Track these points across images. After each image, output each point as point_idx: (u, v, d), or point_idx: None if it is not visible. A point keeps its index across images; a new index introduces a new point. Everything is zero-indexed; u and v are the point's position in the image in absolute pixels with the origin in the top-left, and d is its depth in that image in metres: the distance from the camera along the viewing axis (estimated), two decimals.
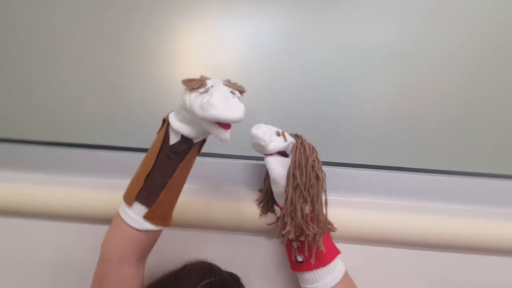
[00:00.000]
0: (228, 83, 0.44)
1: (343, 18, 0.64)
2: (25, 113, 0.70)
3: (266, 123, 0.53)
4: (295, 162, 0.49)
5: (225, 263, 0.59)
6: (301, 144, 0.50)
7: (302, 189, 0.48)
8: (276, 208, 0.56)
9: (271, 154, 0.52)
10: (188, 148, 0.45)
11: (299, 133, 0.53)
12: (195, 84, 0.42)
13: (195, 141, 0.45)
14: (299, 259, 0.51)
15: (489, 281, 0.61)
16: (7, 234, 0.66)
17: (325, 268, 0.51)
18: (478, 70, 0.63)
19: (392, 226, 0.59)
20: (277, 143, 0.50)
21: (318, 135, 0.65)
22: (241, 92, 0.44)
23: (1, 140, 0.69)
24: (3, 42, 0.69)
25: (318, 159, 0.50)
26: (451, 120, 0.63)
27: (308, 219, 0.49)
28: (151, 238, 0.47)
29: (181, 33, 0.67)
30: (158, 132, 0.47)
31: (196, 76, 0.45)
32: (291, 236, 0.49)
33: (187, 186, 0.56)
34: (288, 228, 0.49)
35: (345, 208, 0.61)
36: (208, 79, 0.44)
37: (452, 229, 0.59)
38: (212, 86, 0.42)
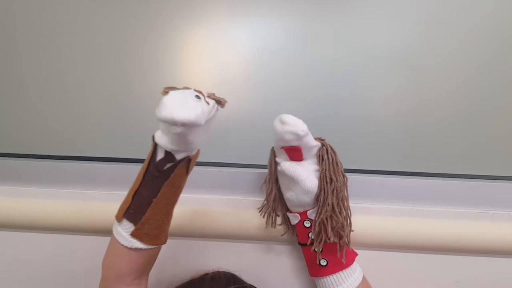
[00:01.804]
0: (210, 93, 0.44)
1: (349, 20, 0.65)
2: (23, 127, 0.68)
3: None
4: (331, 165, 0.49)
5: (239, 272, 0.58)
6: (331, 148, 0.51)
7: (339, 191, 0.49)
8: (292, 215, 0.55)
9: (297, 158, 0.50)
10: (173, 166, 0.44)
11: (320, 137, 0.54)
12: (170, 89, 0.41)
13: (177, 156, 0.44)
14: (323, 263, 0.51)
15: (508, 283, 0.62)
16: (6, 247, 0.65)
17: (347, 270, 0.52)
18: (484, 71, 0.64)
19: (404, 231, 0.60)
20: (311, 138, 0.49)
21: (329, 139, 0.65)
22: (219, 102, 0.44)
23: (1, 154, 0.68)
24: (3, 53, 0.67)
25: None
26: (461, 123, 0.64)
27: (346, 220, 0.50)
28: (146, 257, 0.46)
29: (186, 39, 0.66)
30: None
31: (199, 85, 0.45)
32: (332, 239, 0.49)
33: (192, 197, 0.54)
34: (329, 232, 0.49)
35: (356, 214, 0.60)
36: (191, 88, 0.43)
37: (466, 232, 0.59)
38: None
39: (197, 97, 0.40)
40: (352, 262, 0.52)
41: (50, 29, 0.67)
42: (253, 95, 0.67)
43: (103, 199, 0.64)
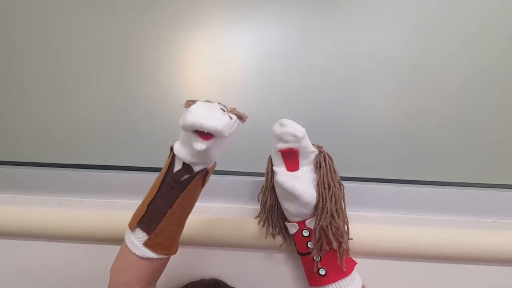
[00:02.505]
0: (231, 109, 0.44)
1: (347, 25, 0.65)
2: (21, 135, 0.69)
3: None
4: (328, 172, 0.50)
5: (234, 280, 0.58)
6: (328, 155, 0.52)
7: (337, 197, 0.49)
8: (290, 225, 0.55)
9: (293, 165, 0.51)
10: (190, 178, 0.44)
11: (318, 144, 0.54)
12: (192, 102, 0.41)
13: (195, 168, 0.44)
14: (322, 272, 0.51)
15: None
16: (6, 256, 0.65)
17: (346, 279, 0.51)
18: (482, 76, 0.64)
19: (400, 239, 0.60)
20: (309, 143, 0.50)
21: (324, 144, 0.66)
22: (241, 118, 0.44)
23: (5, 163, 0.69)
24: (2, 59, 0.67)
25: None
26: (460, 130, 0.64)
27: (344, 227, 0.51)
28: (156, 266, 0.46)
29: (187, 43, 0.67)
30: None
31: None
32: (334, 245, 0.49)
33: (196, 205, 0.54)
34: (331, 238, 0.49)
35: (352, 222, 0.59)
36: (211, 102, 0.44)
37: (464, 241, 0.59)
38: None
39: (222, 110, 0.41)
40: (352, 271, 0.52)
41: (49, 36, 0.67)
42: (252, 99, 0.67)
43: (103, 208, 0.64)
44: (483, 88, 0.65)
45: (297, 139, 0.49)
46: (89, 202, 0.65)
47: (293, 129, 0.48)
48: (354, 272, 0.53)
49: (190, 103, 0.41)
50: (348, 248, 0.52)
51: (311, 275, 0.53)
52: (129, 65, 0.67)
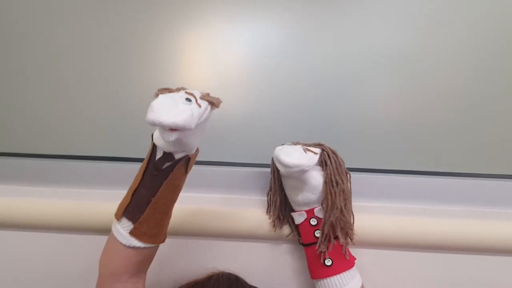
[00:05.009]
0: (204, 94, 0.43)
1: (347, 23, 0.65)
2: (20, 126, 0.68)
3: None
4: (335, 168, 0.51)
5: (239, 271, 0.58)
6: (332, 152, 0.52)
7: (346, 192, 0.50)
8: (297, 214, 0.55)
9: None
10: (172, 165, 0.43)
11: (319, 142, 0.55)
12: (162, 91, 0.41)
13: (176, 156, 0.43)
14: (328, 263, 0.50)
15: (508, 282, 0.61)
16: (4, 247, 0.65)
17: (351, 270, 0.51)
18: (482, 70, 0.64)
19: (406, 230, 0.60)
20: (313, 160, 0.50)
21: (325, 140, 0.65)
22: (212, 104, 0.43)
23: (0, 154, 0.68)
24: (2, 53, 0.67)
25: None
26: (465, 122, 0.64)
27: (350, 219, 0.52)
28: (143, 255, 0.45)
29: (186, 40, 0.66)
30: None
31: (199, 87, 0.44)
32: (342, 241, 0.50)
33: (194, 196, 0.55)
34: (339, 233, 0.50)
35: (358, 213, 0.59)
36: (184, 89, 0.43)
37: (472, 231, 0.59)
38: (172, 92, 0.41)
39: (188, 100, 0.40)
40: (354, 263, 0.52)
41: (50, 30, 0.67)
42: (252, 96, 0.66)
43: (101, 198, 0.63)
44: (486, 79, 0.64)
45: (306, 171, 0.50)
46: (86, 193, 0.65)
47: (299, 167, 0.48)
48: (355, 266, 0.53)
49: (160, 91, 0.40)
50: (352, 239, 0.53)
51: (316, 267, 0.52)
52: (127, 59, 0.66)
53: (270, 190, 0.58)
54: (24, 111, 0.68)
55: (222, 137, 0.66)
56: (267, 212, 0.59)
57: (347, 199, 0.51)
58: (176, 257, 0.62)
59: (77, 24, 0.66)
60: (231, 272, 0.58)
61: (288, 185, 0.55)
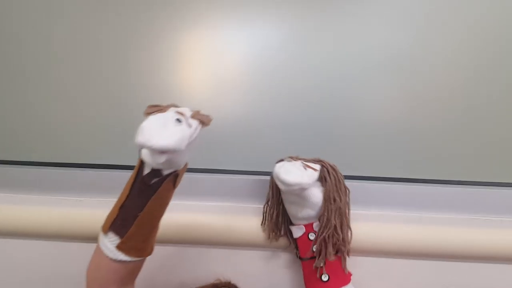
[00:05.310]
0: (194, 112, 0.42)
1: (346, 24, 0.64)
2: (19, 134, 0.67)
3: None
4: (334, 185, 0.51)
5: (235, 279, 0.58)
6: (331, 168, 0.52)
7: (342, 209, 0.51)
8: (295, 228, 0.55)
9: None
10: (160, 181, 0.43)
11: (318, 158, 0.55)
12: (152, 110, 0.40)
13: (164, 172, 0.43)
14: (324, 278, 0.51)
15: None
16: (9, 254, 0.65)
17: (347, 286, 0.52)
18: (483, 74, 0.64)
19: (403, 238, 0.60)
20: (313, 177, 0.51)
21: (322, 145, 0.65)
22: (203, 123, 0.42)
23: (1, 162, 0.68)
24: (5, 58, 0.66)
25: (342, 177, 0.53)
26: (463, 128, 0.64)
27: (346, 235, 0.52)
28: (131, 268, 0.46)
29: (185, 42, 0.65)
30: None
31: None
32: (331, 258, 0.51)
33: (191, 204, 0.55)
34: (330, 249, 0.51)
35: (355, 221, 0.60)
36: (175, 106, 0.42)
37: (467, 239, 0.60)
38: (162, 111, 0.40)
39: (178, 120, 0.39)
40: (350, 280, 0.53)
41: (49, 36, 0.66)
42: (251, 96, 0.66)
43: (99, 207, 0.61)
44: (484, 85, 0.64)
45: (306, 188, 0.50)
46: (85, 201, 0.65)
47: (299, 185, 0.49)
48: (351, 284, 0.54)
49: (149, 111, 0.39)
50: (348, 255, 0.53)
51: (312, 281, 0.53)
52: (127, 64, 0.65)
53: (267, 203, 0.58)
54: (24, 119, 0.67)
55: (220, 140, 0.66)
56: (262, 224, 0.60)
57: (343, 216, 0.52)
58: (174, 265, 0.63)
59: (77, 28, 0.65)
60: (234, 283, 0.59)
61: (287, 200, 0.55)
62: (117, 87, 0.66)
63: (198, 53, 0.65)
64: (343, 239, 0.51)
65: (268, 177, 0.59)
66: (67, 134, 0.67)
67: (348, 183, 0.62)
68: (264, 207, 0.59)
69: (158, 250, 0.60)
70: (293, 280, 0.63)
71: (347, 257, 0.53)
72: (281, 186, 0.49)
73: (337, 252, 0.52)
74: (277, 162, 0.54)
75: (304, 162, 0.52)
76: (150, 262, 0.61)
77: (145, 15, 0.64)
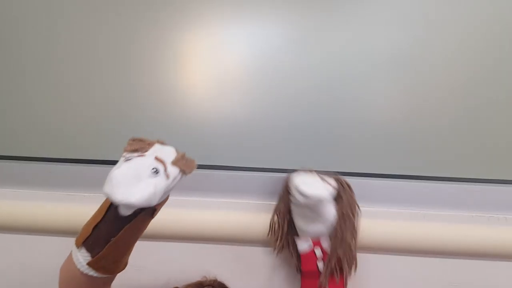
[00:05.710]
0: (177, 158, 0.40)
1: (347, 24, 0.63)
2: (18, 130, 0.67)
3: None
4: (348, 203, 0.51)
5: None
6: (347, 185, 0.52)
7: (356, 227, 0.51)
8: (302, 241, 0.54)
9: None
10: (135, 214, 0.40)
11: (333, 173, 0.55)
12: (133, 146, 0.38)
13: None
14: None
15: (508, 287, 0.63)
16: (14, 250, 0.66)
17: None
18: (483, 73, 0.63)
19: (401, 234, 0.60)
20: (332, 192, 0.50)
21: (325, 142, 0.65)
22: (184, 171, 0.40)
23: (5, 157, 0.68)
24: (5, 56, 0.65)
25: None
26: (460, 126, 0.64)
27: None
28: (102, 281, 0.43)
29: (185, 42, 0.64)
30: None
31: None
32: (347, 272, 0.51)
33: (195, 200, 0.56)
34: (346, 267, 0.51)
35: None
36: (160, 143, 0.40)
37: (467, 236, 0.60)
38: (141, 156, 0.37)
39: (155, 171, 0.37)
40: None
41: (49, 33, 0.65)
42: (251, 96, 0.65)
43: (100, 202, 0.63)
44: (485, 84, 0.63)
45: (328, 200, 0.49)
46: (89, 197, 0.65)
47: (319, 196, 0.48)
48: None
49: (129, 148, 0.37)
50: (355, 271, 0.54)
51: None
52: (127, 62, 0.65)
53: (277, 214, 0.57)
54: (27, 115, 0.67)
55: (220, 140, 0.66)
56: (268, 234, 0.58)
57: (355, 234, 0.51)
58: (169, 261, 0.64)
59: (76, 25, 0.64)
60: (220, 280, 0.59)
61: (299, 214, 0.54)
62: (119, 86, 0.66)
63: (198, 53, 0.64)
64: (355, 257, 0.52)
65: (266, 174, 0.59)
66: (74, 130, 0.67)
67: (352, 180, 0.61)
68: (272, 217, 0.57)
69: (164, 245, 0.62)
70: (291, 276, 0.63)
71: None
72: (299, 198, 0.48)
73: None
74: (291, 173, 0.53)
75: (321, 175, 0.51)
76: (158, 260, 0.62)
77: (145, 15, 0.63)
